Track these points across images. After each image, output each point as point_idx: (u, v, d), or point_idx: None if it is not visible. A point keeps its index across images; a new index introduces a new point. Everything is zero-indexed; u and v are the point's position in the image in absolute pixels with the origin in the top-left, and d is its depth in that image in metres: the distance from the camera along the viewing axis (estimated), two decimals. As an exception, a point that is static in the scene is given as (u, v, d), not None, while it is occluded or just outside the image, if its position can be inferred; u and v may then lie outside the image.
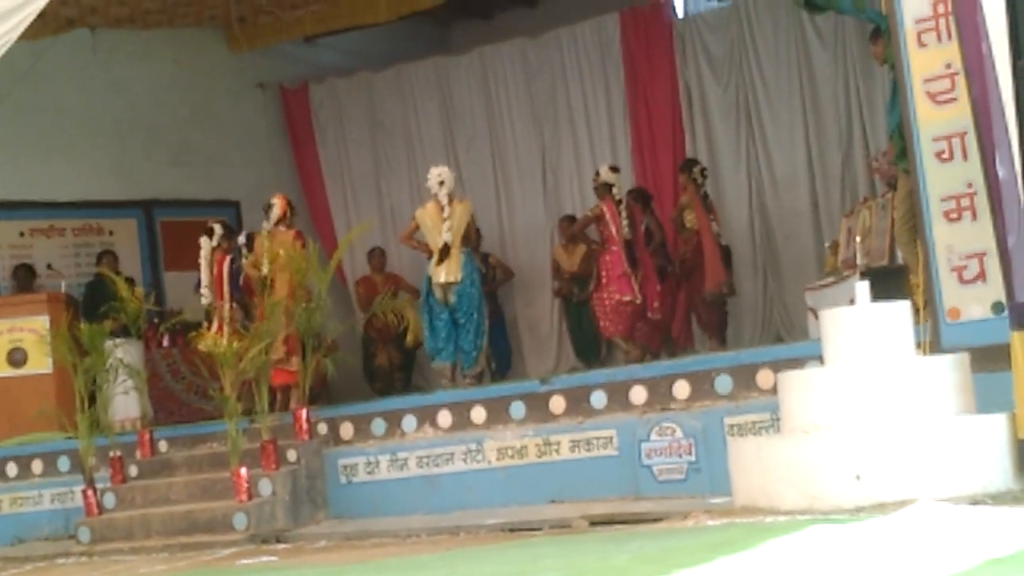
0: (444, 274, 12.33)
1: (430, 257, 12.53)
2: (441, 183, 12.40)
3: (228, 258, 12.86)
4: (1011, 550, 5.31)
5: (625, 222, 12.91)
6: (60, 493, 12.18)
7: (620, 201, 13.01)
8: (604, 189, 13.10)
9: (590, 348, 14.00)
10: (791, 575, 5.31)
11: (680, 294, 13.62)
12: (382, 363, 14.95)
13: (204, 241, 13.06)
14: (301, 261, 11.58)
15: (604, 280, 13.07)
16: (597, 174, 13.40)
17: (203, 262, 12.91)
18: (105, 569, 9.64)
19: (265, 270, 11.85)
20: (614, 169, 13.30)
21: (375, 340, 14.84)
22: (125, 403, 12.31)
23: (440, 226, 12.26)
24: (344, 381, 13.30)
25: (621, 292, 12.89)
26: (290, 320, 11.50)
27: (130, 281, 13.99)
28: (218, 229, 13.23)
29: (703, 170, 13.77)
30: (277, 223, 12.53)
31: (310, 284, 11.66)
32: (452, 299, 12.42)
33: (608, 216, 12.96)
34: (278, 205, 12.62)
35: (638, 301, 12.90)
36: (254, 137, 17.04)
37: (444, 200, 12.35)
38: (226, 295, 12.71)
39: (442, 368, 12.77)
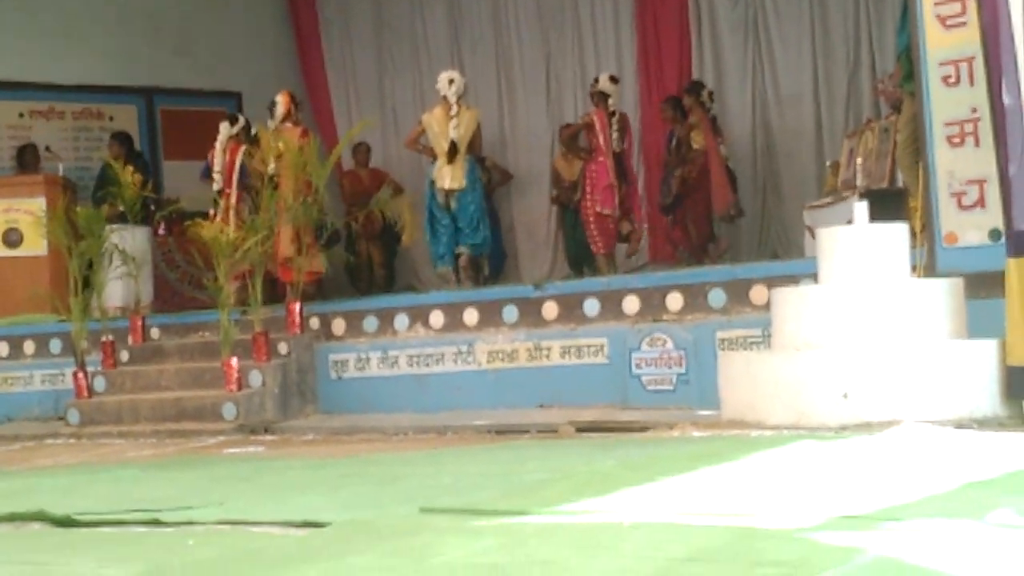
0: (448, 180, 12.29)
1: (434, 162, 12.49)
2: (451, 82, 12.35)
3: (242, 148, 12.76)
4: (992, 474, 5.34)
5: (615, 134, 12.84)
6: (51, 375, 12.24)
7: (613, 113, 12.94)
8: (600, 97, 13.01)
9: (582, 257, 13.99)
10: (773, 488, 5.35)
11: (679, 212, 13.57)
12: (364, 260, 14.93)
13: (224, 126, 12.94)
14: (305, 158, 11.55)
15: (588, 190, 13.04)
16: (596, 81, 13.31)
17: (218, 146, 12.81)
18: (93, 451, 9.70)
19: (271, 168, 11.79)
20: (613, 79, 13.20)
21: (358, 236, 14.80)
22: (120, 288, 12.32)
23: (447, 128, 12.22)
24: (328, 277, 13.31)
25: (603, 204, 12.84)
26: (299, 217, 11.50)
27: (140, 158, 13.92)
28: (241, 120, 13.12)
29: (711, 93, 13.71)
30: (283, 120, 12.48)
31: (316, 180, 11.64)
32: (454, 205, 12.39)
33: (598, 126, 12.90)
34: (282, 103, 12.57)
35: (616, 214, 12.85)
36: (258, 29, 16.93)
37: (453, 100, 12.28)
38: (234, 185, 12.65)
39: (445, 273, 12.78)
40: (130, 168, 12.59)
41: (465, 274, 12.46)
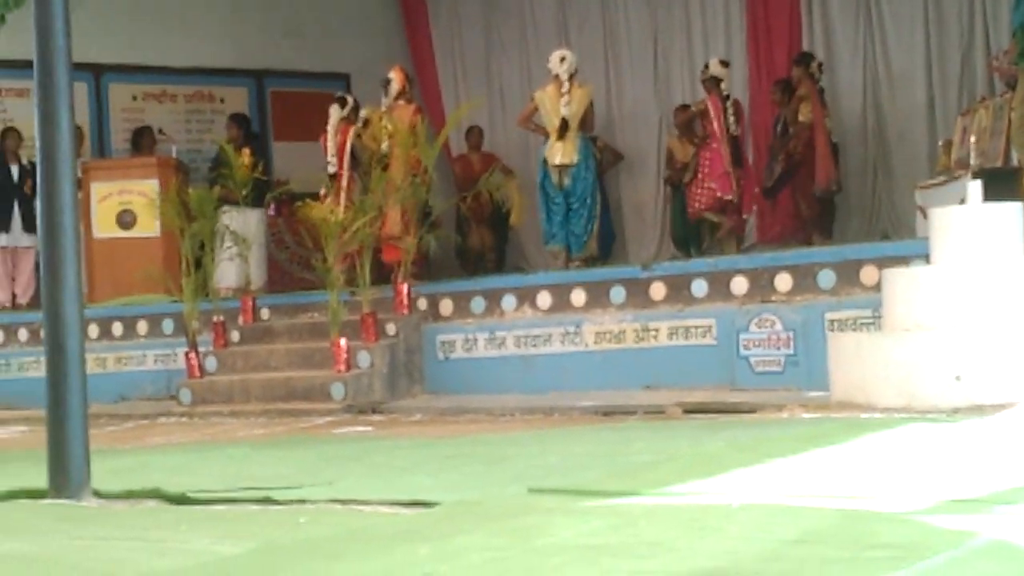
0: (560, 156, 12.27)
1: (546, 141, 12.50)
2: (562, 59, 12.35)
3: (352, 129, 12.83)
4: (1110, 458, 5.26)
5: (732, 119, 12.76)
6: (163, 355, 12.41)
7: (727, 97, 12.85)
8: (712, 83, 12.94)
9: (689, 237, 13.91)
10: (884, 471, 5.30)
11: (785, 191, 13.45)
12: (474, 243, 14.95)
13: (334, 109, 13.01)
14: (416, 136, 11.61)
15: (701, 176, 12.97)
16: (706, 67, 13.24)
17: (330, 130, 12.90)
18: (205, 430, 9.83)
19: (384, 145, 11.83)
20: (724, 63, 13.11)
21: (468, 219, 14.83)
22: (231, 270, 12.45)
23: (558, 105, 12.20)
24: (437, 260, 13.36)
25: (722, 190, 12.78)
26: (408, 198, 11.55)
27: (257, 140, 13.99)
28: (350, 100, 13.19)
29: (820, 64, 13.56)
30: (396, 97, 12.52)
31: (425, 160, 11.68)
32: (567, 182, 12.37)
33: (712, 112, 12.82)
34: (396, 79, 12.60)
35: (734, 199, 12.79)
36: (367, 11, 17.01)
37: (564, 77, 12.27)
38: (346, 166, 12.72)
39: (556, 251, 12.77)
40: (247, 150, 12.73)
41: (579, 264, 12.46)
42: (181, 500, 5.65)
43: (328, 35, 16.40)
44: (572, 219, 12.44)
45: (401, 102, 12.49)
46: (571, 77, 12.31)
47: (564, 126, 12.17)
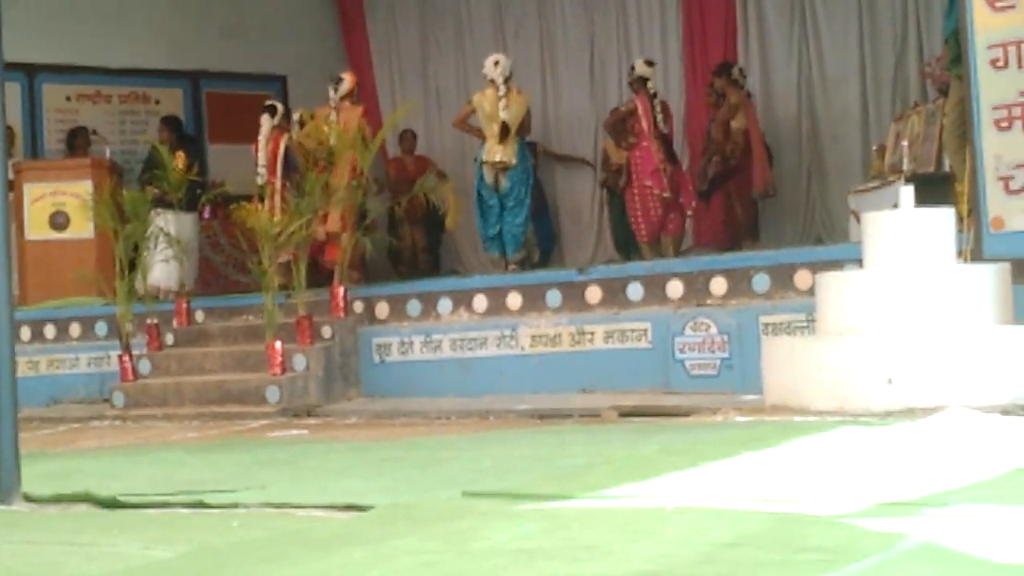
0: (499, 155, 12.27)
1: (483, 144, 12.51)
2: (496, 63, 12.36)
3: (284, 136, 12.81)
4: (1039, 460, 5.31)
5: (659, 116, 12.81)
6: (96, 357, 12.31)
7: (655, 96, 12.91)
8: (639, 83, 13.00)
9: (631, 242, 13.95)
10: (816, 474, 5.33)
11: (718, 195, 13.51)
12: (407, 245, 14.93)
13: (265, 119, 13.00)
14: (363, 133, 11.65)
15: (634, 176, 13.01)
16: (632, 68, 13.30)
17: (261, 139, 12.87)
18: (138, 434, 9.76)
19: (332, 141, 11.76)
20: (649, 63, 13.16)
21: (402, 221, 14.81)
22: (164, 272, 12.38)
23: (497, 109, 12.21)
24: (372, 262, 13.34)
25: (656, 187, 12.82)
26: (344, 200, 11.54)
27: (191, 143, 13.92)
28: (280, 108, 13.14)
29: (740, 70, 13.66)
30: (344, 97, 12.46)
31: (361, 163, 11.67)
32: (504, 183, 12.39)
33: (640, 111, 12.87)
34: (348, 80, 12.58)
35: (667, 195, 12.83)
36: (304, 12, 16.95)
37: (500, 81, 12.28)
38: (278, 173, 12.68)
39: (495, 259, 12.81)
40: (181, 153, 12.67)
41: (515, 268, 12.49)
42: (112, 504, 5.61)
43: (264, 36, 16.32)
44: (507, 219, 12.47)
45: (347, 103, 12.45)
46: (507, 80, 12.33)
47: (505, 130, 12.19)
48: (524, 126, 12.61)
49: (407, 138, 15.31)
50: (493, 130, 12.26)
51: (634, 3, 15.53)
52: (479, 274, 12.20)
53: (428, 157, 15.38)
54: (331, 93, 12.47)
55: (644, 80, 12.90)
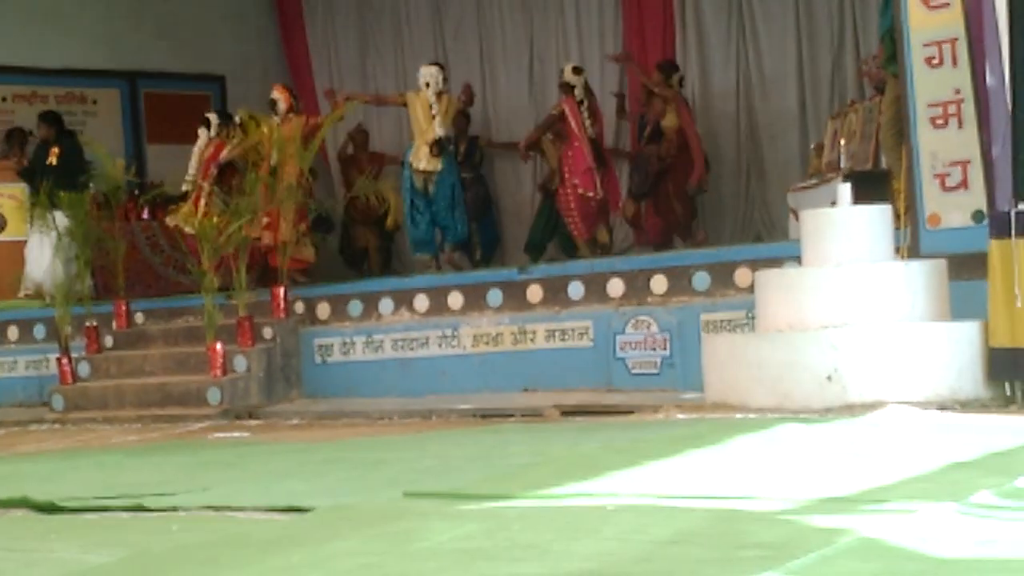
0: (424, 162, 12.32)
1: (411, 145, 12.55)
2: (427, 84, 12.41)
3: (226, 146, 12.79)
4: (975, 455, 5.36)
5: (588, 120, 12.88)
6: (35, 360, 12.21)
7: (582, 101, 12.97)
8: (566, 89, 13.08)
9: (545, 243, 13.94)
10: (757, 471, 5.36)
11: (656, 194, 13.55)
12: (360, 245, 14.88)
13: (201, 132, 12.96)
14: (304, 143, 11.69)
15: (567, 175, 13.05)
16: (561, 72, 13.39)
17: (196, 151, 12.83)
18: (78, 437, 9.69)
19: (274, 159, 11.72)
20: (576, 70, 13.22)
21: (355, 221, 14.76)
22: (46, 271, 12.41)
23: (431, 121, 12.28)
24: (322, 262, 13.30)
25: (584, 187, 12.84)
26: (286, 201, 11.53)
27: (67, 136, 13.80)
28: (214, 119, 13.08)
29: (681, 78, 13.73)
30: (286, 114, 12.46)
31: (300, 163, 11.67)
32: (431, 188, 12.44)
33: (568, 113, 12.94)
34: (282, 99, 12.55)
35: (599, 196, 12.86)
36: (242, 12, 16.86)
37: (432, 99, 12.35)
38: (210, 177, 12.66)
39: (425, 260, 12.79)
40: (55, 149, 12.63)
41: (451, 267, 12.49)
42: (51, 509, 5.56)
43: (202, 36, 16.23)
44: (440, 220, 12.51)
45: (291, 116, 12.46)
46: (439, 95, 12.41)
47: (440, 145, 12.25)
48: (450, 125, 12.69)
49: (357, 135, 15.24)
50: (425, 136, 12.32)
51: (573, 2, 15.55)
52: (420, 274, 12.16)
53: (384, 152, 15.24)
54: (274, 117, 12.44)
55: (570, 86, 12.98)
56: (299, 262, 12.00)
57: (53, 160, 12.38)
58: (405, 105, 12.68)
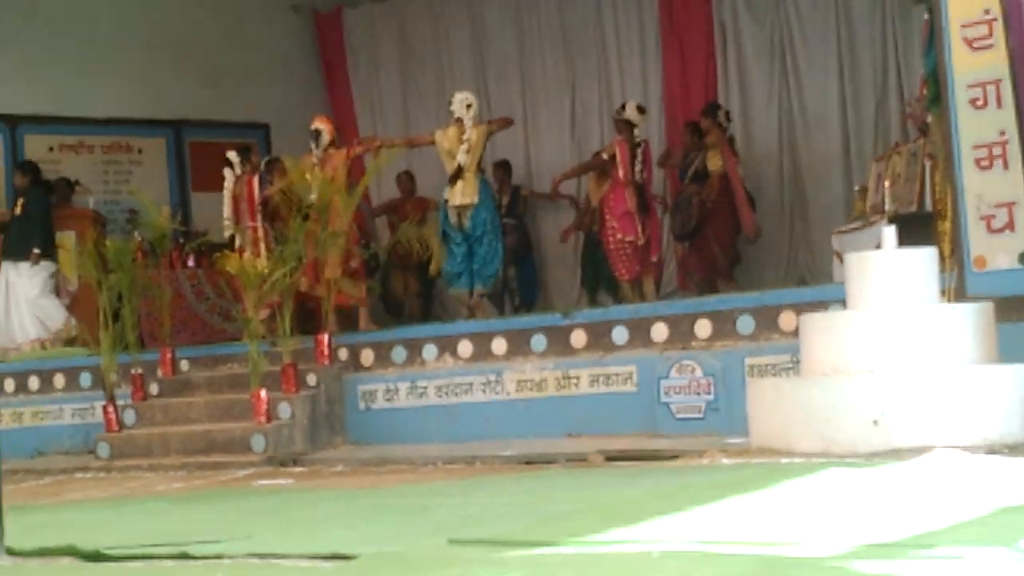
0: (459, 196, 12.26)
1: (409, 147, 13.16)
2: (468, 106, 12.30)
3: (256, 177, 12.83)
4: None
5: (639, 167, 12.82)
6: (81, 408, 12.26)
7: (638, 144, 12.90)
8: (624, 126, 13.02)
9: (600, 283, 13.92)
10: (803, 516, 5.32)
11: (699, 238, 13.53)
12: (398, 290, 14.89)
13: (227, 173, 13.04)
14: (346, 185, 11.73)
15: (607, 217, 13.02)
16: (623, 107, 13.31)
17: (226, 193, 12.89)
18: (123, 485, 9.71)
19: (313, 194, 11.71)
20: (641, 109, 13.16)
21: (396, 266, 14.79)
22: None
23: (457, 148, 12.19)
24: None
25: (623, 231, 12.79)
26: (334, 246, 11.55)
27: (41, 185, 13.94)
28: (233, 156, 13.13)
29: (727, 113, 13.70)
30: (328, 147, 12.40)
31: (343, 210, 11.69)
32: (467, 223, 12.35)
33: (620, 157, 12.87)
34: (326, 130, 12.46)
35: (640, 242, 12.80)
36: (286, 60, 16.98)
37: (469, 123, 12.24)
38: (258, 218, 12.69)
39: (459, 295, 12.76)
40: (20, 201, 12.81)
41: (479, 312, 12.40)
42: (96, 557, 5.56)
43: (246, 84, 16.35)
44: (475, 259, 12.39)
45: (331, 150, 12.39)
46: (471, 118, 12.29)
47: (457, 172, 12.18)
48: (482, 160, 12.54)
49: (403, 180, 15.28)
50: (451, 166, 12.28)
51: (615, 45, 15.58)
52: (464, 320, 12.16)
53: (429, 198, 15.24)
54: (313, 147, 12.39)
55: (631, 125, 12.91)
56: (347, 297, 11.97)
57: (18, 210, 12.56)
58: (432, 143, 12.65)
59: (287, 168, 12.41)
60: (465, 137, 12.16)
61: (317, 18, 17.34)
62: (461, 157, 12.15)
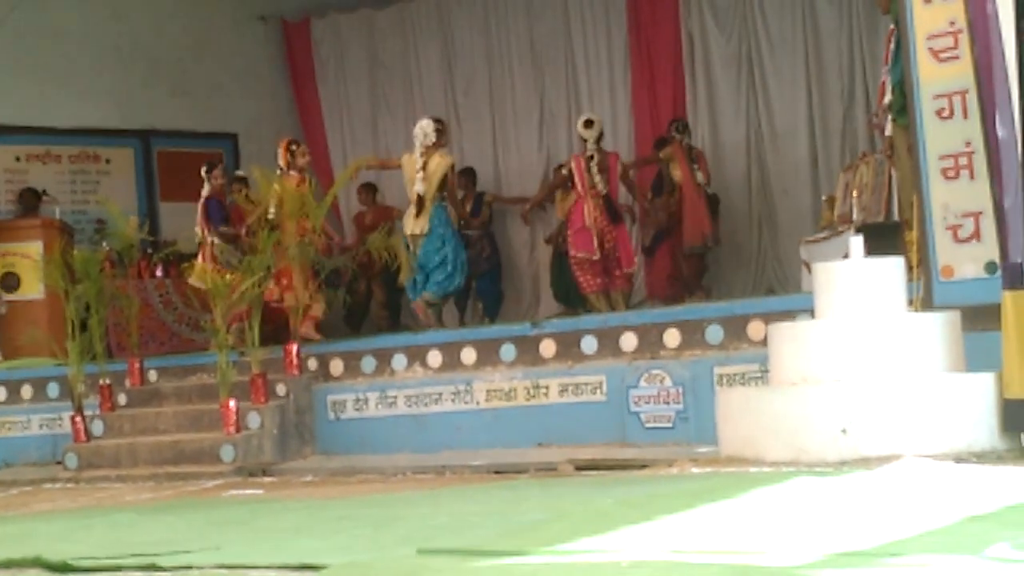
0: (411, 224, 12.16)
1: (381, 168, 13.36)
2: (426, 135, 12.11)
3: (203, 195, 12.87)
4: (992, 508, 5.33)
5: (598, 177, 12.67)
6: (49, 419, 12.21)
7: (592, 157, 12.82)
8: (580, 142, 13.02)
9: (571, 295, 13.92)
10: (772, 525, 5.33)
11: (663, 247, 13.58)
12: (362, 299, 14.88)
13: (206, 185, 13.07)
14: (302, 203, 11.57)
15: (568, 232, 12.98)
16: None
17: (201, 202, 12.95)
18: (92, 496, 9.67)
19: (271, 214, 11.72)
20: (587, 123, 13.05)
21: (359, 276, 14.76)
22: None
23: (415, 177, 12.09)
24: (330, 317, 13.30)
25: (575, 247, 12.64)
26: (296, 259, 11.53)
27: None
28: (204, 170, 13.12)
29: (685, 124, 13.80)
30: (288, 169, 12.38)
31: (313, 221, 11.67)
32: (418, 251, 12.18)
33: (575, 171, 12.79)
34: (280, 155, 12.42)
35: (595, 257, 12.62)
36: (254, 70, 16.95)
37: (418, 153, 12.12)
38: (205, 229, 12.71)
39: (419, 303, 12.72)
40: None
41: (425, 318, 12.29)
42: (63, 568, 5.54)
43: (215, 94, 16.33)
44: (430, 278, 12.24)
45: (292, 172, 12.30)
46: (429, 147, 12.13)
47: (420, 202, 12.08)
48: (445, 188, 12.37)
49: (362, 192, 15.27)
50: (412, 197, 12.17)
51: (583, 57, 15.62)
52: (433, 329, 12.14)
53: (391, 207, 15.19)
54: (286, 159, 12.34)
55: (583, 140, 12.91)
56: (310, 318, 11.96)
57: None
58: (400, 167, 12.52)
59: (257, 180, 12.33)
60: (417, 168, 12.05)
61: (285, 28, 17.33)
62: (418, 186, 12.03)
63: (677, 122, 13.84)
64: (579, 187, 12.63)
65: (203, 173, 13.03)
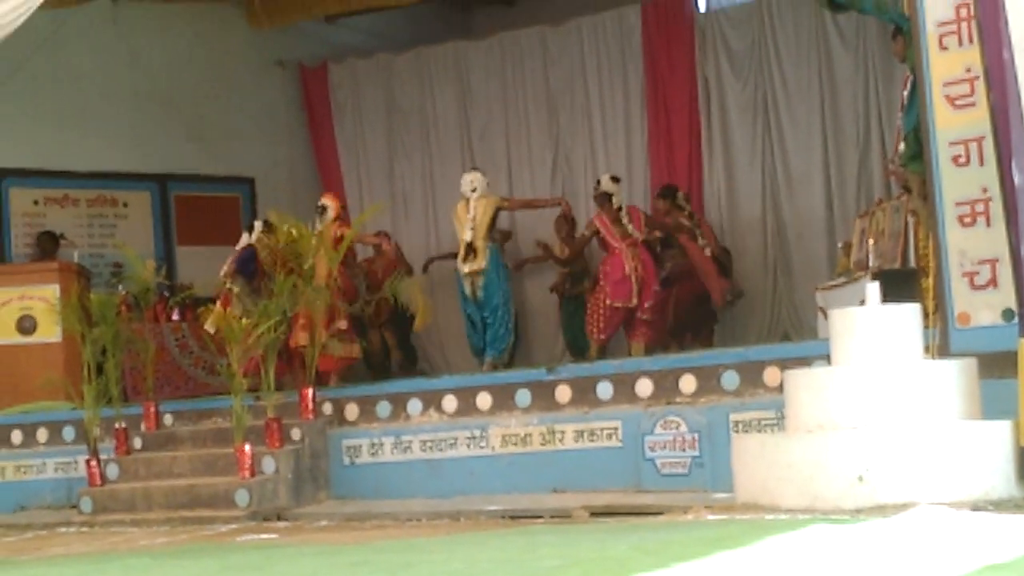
0: (469, 265, 12.61)
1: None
2: (474, 189, 12.94)
3: (241, 243, 12.99)
4: (1010, 556, 5.30)
5: (629, 227, 12.89)
6: (64, 462, 12.20)
7: (620, 208, 13.01)
8: (604, 198, 13.19)
9: (584, 344, 13.97)
10: (788, 573, 5.31)
11: (671, 296, 13.64)
12: (374, 347, 14.89)
13: (244, 236, 13.19)
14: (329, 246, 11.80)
15: (601, 282, 13.08)
16: (598, 183, 13.49)
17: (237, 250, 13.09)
18: (106, 540, 9.66)
19: (308, 263, 11.81)
20: (615, 179, 13.33)
21: (368, 325, 14.79)
22: None
23: (465, 224, 12.56)
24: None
25: (613, 297, 12.84)
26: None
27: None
28: (258, 226, 13.32)
29: (687, 196, 13.88)
30: (333, 222, 12.64)
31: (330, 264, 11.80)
32: (479, 293, 12.65)
33: (601, 228, 13.01)
34: (332, 208, 12.74)
35: (632, 304, 12.86)
36: (271, 114, 17.04)
37: (474, 202, 12.69)
38: (231, 274, 12.83)
39: (490, 362, 12.99)
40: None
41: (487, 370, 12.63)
42: (79, 614, 5.54)
43: (232, 138, 16.40)
44: (488, 330, 12.63)
45: (335, 225, 12.61)
46: (472, 198, 12.76)
47: (469, 248, 12.51)
48: (493, 227, 12.87)
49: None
50: (464, 242, 12.63)
51: (598, 103, 15.68)
52: (448, 374, 12.17)
53: (395, 258, 15.29)
54: (317, 221, 12.59)
55: (609, 196, 13.06)
56: (345, 360, 12.13)
57: None
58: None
59: (274, 224, 12.44)
60: (469, 216, 12.48)
61: (303, 73, 17.42)
62: (467, 234, 12.48)
63: (680, 192, 13.92)
64: (612, 240, 12.82)
65: (251, 223, 13.19)
